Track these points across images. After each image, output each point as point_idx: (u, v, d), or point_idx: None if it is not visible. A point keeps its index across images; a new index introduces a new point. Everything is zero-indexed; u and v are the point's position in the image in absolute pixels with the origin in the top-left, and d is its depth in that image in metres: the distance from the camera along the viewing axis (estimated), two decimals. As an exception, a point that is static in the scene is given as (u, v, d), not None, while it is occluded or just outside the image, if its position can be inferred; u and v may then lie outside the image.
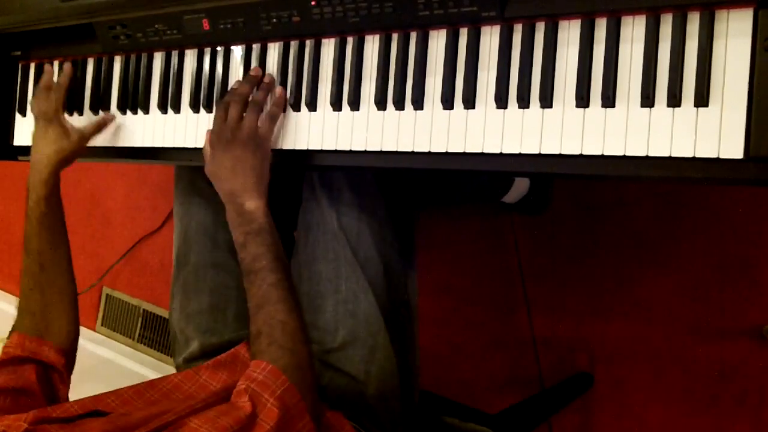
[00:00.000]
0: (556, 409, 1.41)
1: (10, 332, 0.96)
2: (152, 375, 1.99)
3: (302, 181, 1.04)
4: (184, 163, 1.08)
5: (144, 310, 2.16)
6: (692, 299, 1.35)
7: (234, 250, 1.08)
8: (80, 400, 0.84)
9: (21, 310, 0.98)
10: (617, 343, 1.43)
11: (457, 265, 1.63)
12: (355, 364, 0.95)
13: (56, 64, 1.20)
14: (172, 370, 1.08)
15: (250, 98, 0.95)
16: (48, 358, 0.93)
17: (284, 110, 0.96)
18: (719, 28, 0.71)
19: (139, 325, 2.16)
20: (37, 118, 1.09)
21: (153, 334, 2.13)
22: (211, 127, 0.96)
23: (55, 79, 1.13)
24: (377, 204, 1.00)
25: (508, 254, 1.52)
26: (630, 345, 1.42)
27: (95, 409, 0.81)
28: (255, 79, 0.96)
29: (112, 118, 1.11)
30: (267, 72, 0.98)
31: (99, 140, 1.14)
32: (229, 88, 1.00)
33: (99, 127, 1.10)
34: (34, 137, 1.07)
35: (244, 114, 0.93)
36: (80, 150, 1.07)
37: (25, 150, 1.26)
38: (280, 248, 0.88)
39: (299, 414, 0.76)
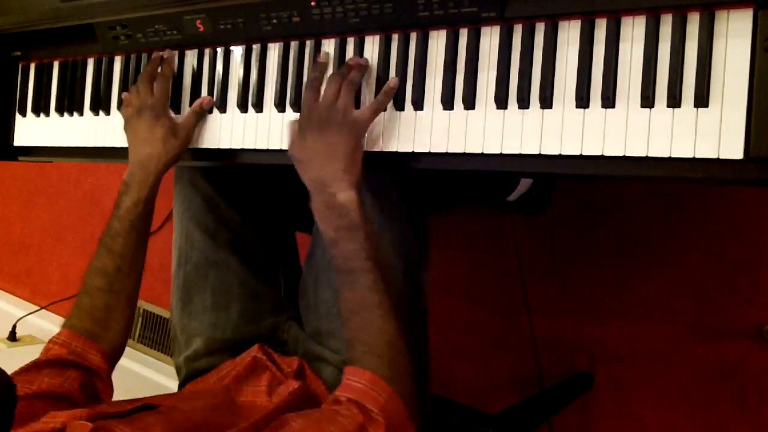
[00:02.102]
0: (556, 409, 1.41)
1: (62, 327, 0.90)
2: (152, 375, 1.99)
3: None
4: (185, 163, 1.08)
5: (144, 310, 2.16)
6: (692, 299, 1.35)
7: (235, 248, 1.09)
8: (123, 400, 0.81)
9: (81, 307, 0.92)
10: (617, 343, 1.43)
11: (457, 265, 1.62)
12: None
13: (56, 64, 1.20)
14: (172, 370, 1.08)
15: (347, 78, 0.87)
16: (93, 363, 0.88)
17: (389, 103, 0.89)
18: (719, 28, 0.71)
19: (138, 325, 2.16)
20: (140, 111, 1.01)
21: (153, 334, 2.13)
22: (207, 128, 0.94)
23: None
24: (399, 209, 0.97)
25: (508, 255, 1.52)
26: (630, 345, 1.42)
27: (144, 403, 0.78)
28: (356, 60, 0.90)
29: (210, 102, 1.03)
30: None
31: (100, 140, 1.15)
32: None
33: (199, 116, 1.03)
34: (138, 132, 1.00)
35: (341, 93, 0.85)
36: (187, 147, 1.01)
37: (26, 150, 1.26)
38: (373, 245, 0.82)
39: (404, 425, 0.74)
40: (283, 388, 0.90)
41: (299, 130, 0.87)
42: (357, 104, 0.89)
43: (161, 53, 1.07)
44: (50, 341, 0.89)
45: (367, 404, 0.71)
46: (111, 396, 0.89)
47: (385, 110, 0.88)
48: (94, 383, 0.88)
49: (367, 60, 0.90)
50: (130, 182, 0.97)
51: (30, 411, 0.74)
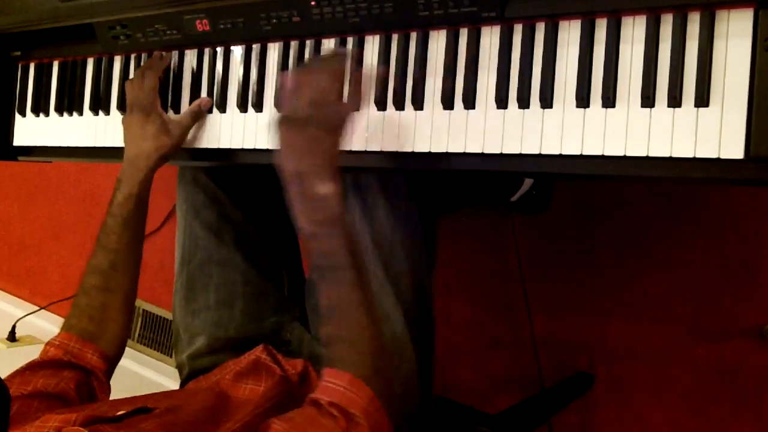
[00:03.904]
0: (556, 410, 1.41)
1: (61, 329, 0.90)
2: (152, 375, 1.99)
3: None
4: (184, 163, 1.08)
5: (144, 310, 2.16)
6: (692, 299, 1.35)
7: (238, 246, 1.08)
8: (118, 400, 0.81)
9: (78, 306, 0.92)
10: (617, 343, 1.43)
11: (457, 265, 1.62)
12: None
13: (56, 64, 1.20)
14: (172, 370, 1.08)
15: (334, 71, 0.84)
16: (90, 363, 0.88)
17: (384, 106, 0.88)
18: (719, 28, 0.71)
19: (138, 325, 2.16)
20: (131, 107, 1.02)
21: (153, 334, 2.13)
22: (207, 128, 0.93)
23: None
24: (411, 211, 0.96)
25: (508, 254, 1.52)
26: (630, 345, 1.42)
27: (142, 405, 0.77)
28: (352, 53, 0.88)
29: (208, 102, 1.02)
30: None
31: (100, 140, 1.14)
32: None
33: (196, 116, 1.02)
34: (130, 128, 1.01)
35: (328, 90, 0.82)
36: (180, 146, 1.01)
37: (25, 150, 1.26)
38: (353, 239, 0.78)
39: (384, 424, 0.72)
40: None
41: (284, 118, 0.82)
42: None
43: (161, 53, 1.07)
44: (47, 343, 0.89)
45: (349, 408, 0.69)
46: (108, 395, 0.89)
47: (364, 107, 0.86)
48: (90, 383, 0.87)
49: (356, 51, 0.88)
50: (122, 178, 0.97)
51: (25, 411, 0.75)
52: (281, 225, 1.16)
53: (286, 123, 0.81)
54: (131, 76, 1.11)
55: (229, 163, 1.03)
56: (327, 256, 0.77)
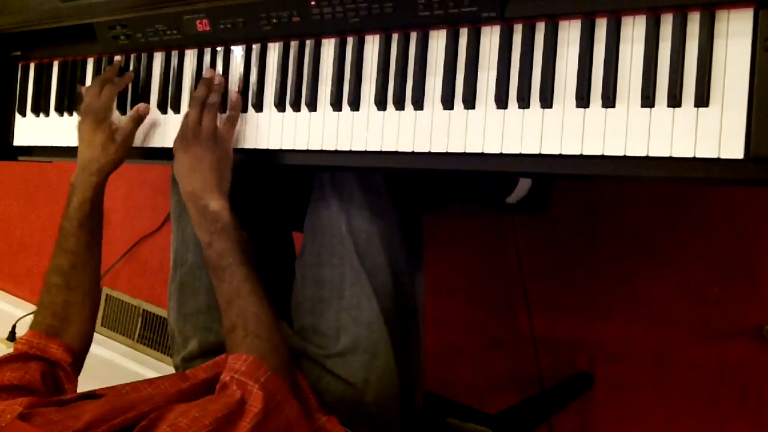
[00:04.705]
0: (556, 410, 1.41)
1: (29, 328, 0.97)
2: (152, 375, 1.99)
3: (310, 181, 1.03)
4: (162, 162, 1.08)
5: (144, 310, 2.16)
6: (692, 299, 1.35)
7: None
8: (75, 391, 0.86)
9: (42, 305, 0.98)
10: (617, 343, 1.43)
11: (457, 265, 1.62)
12: (354, 371, 0.95)
13: (56, 63, 1.20)
14: (171, 370, 1.08)
15: (207, 101, 0.97)
16: (54, 356, 0.93)
17: (242, 111, 0.99)
18: (719, 28, 0.71)
19: (138, 325, 2.16)
20: (85, 113, 1.06)
21: (153, 334, 2.13)
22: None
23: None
24: (388, 207, 0.98)
25: (508, 254, 1.52)
26: (630, 345, 1.42)
27: (88, 392, 0.82)
28: (209, 82, 0.99)
29: (146, 108, 1.08)
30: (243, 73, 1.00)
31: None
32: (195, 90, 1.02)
33: (136, 122, 1.07)
34: (82, 134, 1.06)
35: (203, 117, 0.96)
36: (126, 153, 1.06)
37: (25, 150, 1.26)
38: (244, 245, 0.91)
39: (284, 398, 0.79)
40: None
41: (174, 152, 0.97)
42: (341, 106, 0.91)
43: (120, 62, 1.12)
44: (16, 341, 0.95)
45: (247, 381, 0.78)
46: (75, 386, 0.94)
47: (364, 107, 0.91)
48: (56, 374, 0.93)
49: (221, 78, 1.00)
50: (75, 183, 1.03)
51: None
52: (273, 226, 1.17)
53: (175, 151, 0.97)
54: (131, 75, 1.11)
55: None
56: (221, 257, 0.90)
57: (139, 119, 1.07)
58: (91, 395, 0.81)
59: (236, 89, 1.00)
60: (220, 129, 0.96)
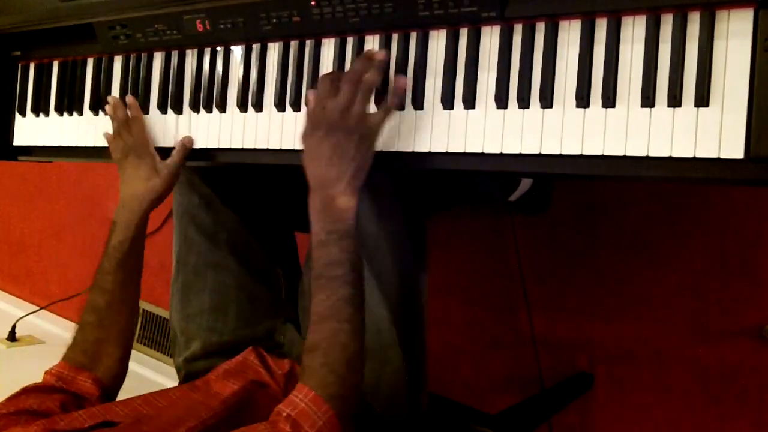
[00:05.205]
0: (556, 409, 1.41)
1: (62, 358, 0.94)
2: (152, 375, 1.99)
3: None
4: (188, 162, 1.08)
5: (144, 310, 2.16)
6: (692, 299, 1.35)
7: (233, 249, 1.08)
8: (89, 409, 0.82)
9: (75, 342, 0.95)
10: (617, 343, 1.43)
11: (457, 265, 1.62)
12: (364, 378, 0.94)
13: (56, 63, 1.20)
14: (171, 371, 1.08)
15: (364, 82, 0.83)
16: (81, 390, 0.90)
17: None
18: (719, 28, 0.71)
19: (138, 325, 2.16)
20: (124, 154, 1.03)
21: (153, 335, 2.13)
22: (207, 128, 0.92)
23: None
24: (394, 209, 0.97)
25: (508, 254, 1.52)
26: (630, 345, 1.42)
27: (104, 419, 0.79)
28: (370, 57, 0.85)
29: (191, 141, 1.03)
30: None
31: (100, 140, 1.14)
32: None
33: (183, 154, 1.03)
34: (126, 174, 1.03)
35: (357, 100, 0.83)
36: (172, 185, 1.03)
37: (25, 150, 1.26)
38: (359, 258, 0.82)
39: None
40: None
41: (311, 123, 0.85)
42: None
43: (120, 100, 1.08)
44: (46, 372, 0.91)
45: (304, 425, 0.71)
46: None
47: (402, 109, 0.87)
48: (81, 405, 0.88)
49: (384, 54, 0.86)
50: (117, 221, 1.00)
51: (12, 425, 0.76)
52: (276, 226, 1.17)
53: (312, 128, 0.83)
54: (131, 75, 1.11)
55: (230, 163, 1.03)
56: (330, 266, 0.80)
57: (184, 150, 1.03)
58: (107, 423, 0.78)
59: (404, 75, 0.86)
60: (372, 117, 0.84)
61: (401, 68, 0.88)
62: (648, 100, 0.73)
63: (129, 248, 0.98)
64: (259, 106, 0.99)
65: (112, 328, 0.96)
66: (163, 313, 2.11)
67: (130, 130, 1.05)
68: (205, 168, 1.09)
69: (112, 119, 1.07)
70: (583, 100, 0.77)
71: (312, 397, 0.73)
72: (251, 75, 1.00)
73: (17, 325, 2.15)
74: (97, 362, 0.93)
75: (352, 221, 0.81)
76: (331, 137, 0.82)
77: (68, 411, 0.85)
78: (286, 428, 0.70)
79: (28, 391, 0.86)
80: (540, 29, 0.80)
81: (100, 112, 1.15)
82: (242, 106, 1.00)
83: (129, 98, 1.08)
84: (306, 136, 0.85)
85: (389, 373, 0.94)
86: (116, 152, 1.06)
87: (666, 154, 0.72)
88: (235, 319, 1.07)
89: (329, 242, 0.80)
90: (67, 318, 2.30)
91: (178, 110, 1.07)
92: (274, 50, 0.99)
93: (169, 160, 1.02)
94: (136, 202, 1.00)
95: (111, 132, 1.08)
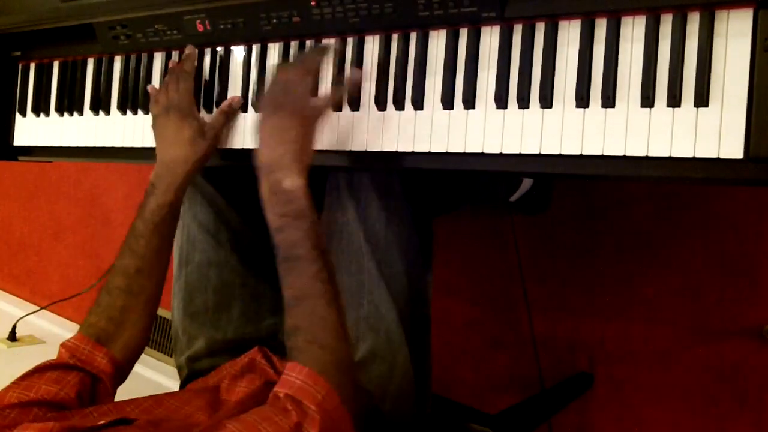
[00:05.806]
0: (556, 409, 1.41)
1: (79, 329, 0.90)
2: (152, 375, 1.99)
3: (323, 182, 1.00)
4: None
5: (144, 310, 2.16)
6: (692, 299, 1.35)
7: (236, 247, 1.08)
8: (99, 407, 0.81)
9: (99, 305, 0.91)
10: (617, 343, 1.43)
11: (457, 265, 1.62)
12: (373, 380, 0.92)
13: (56, 64, 1.20)
14: (172, 370, 1.08)
15: (308, 62, 0.87)
16: (97, 368, 0.86)
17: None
18: (719, 28, 0.71)
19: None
20: (166, 110, 0.98)
21: (153, 335, 2.13)
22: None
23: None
24: (404, 211, 0.96)
25: (508, 254, 1.52)
26: (630, 345, 1.42)
27: (119, 417, 0.77)
28: (325, 51, 0.90)
29: (239, 101, 1.00)
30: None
31: (100, 140, 1.14)
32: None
33: (228, 116, 0.99)
34: (165, 132, 0.98)
35: (303, 75, 0.85)
36: (214, 150, 0.99)
37: (25, 150, 1.26)
38: (319, 233, 0.80)
39: (341, 418, 0.72)
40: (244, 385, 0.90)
41: (261, 107, 0.86)
42: (340, 106, 0.90)
43: (190, 52, 1.04)
44: (61, 344, 0.88)
45: (304, 400, 0.70)
46: (112, 400, 0.88)
47: (364, 107, 0.88)
48: (95, 389, 0.86)
49: (337, 45, 0.91)
50: (156, 183, 0.95)
51: (23, 418, 0.74)
52: None
53: (261, 110, 0.85)
54: (131, 75, 1.11)
55: (232, 163, 1.03)
56: (291, 247, 0.79)
57: (230, 112, 1.00)
58: (124, 421, 0.76)
59: (359, 69, 0.90)
60: (315, 99, 0.85)
61: (401, 68, 0.88)
62: (648, 100, 0.73)
63: (167, 213, 0.94)
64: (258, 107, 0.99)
65: (140, 296, 0.92)
66: (163, 312, 2.11)
67: (177, 86, 1.00)
68: (209, 167, 1.09)
69: (171, 70, 1.03)
70: (582, 100, 0.77)
71: (306, 372, 0.72)
72: (251, 75, 1.00)
73: (17, 325, 2.15)
74: (120, 332, 0.90)
75: (303, 200, 0.80)
76: (277, 114, 0.83)
77: (83, 398, 0.83)
78: (287, 406, 0.69)
79: (42, 369, 0.83)
80: (540, 29, 0.80)
81: (101, 111, 1.15)
82: (243, 107, 1.00)
83: (189, 48, 1.03)
84: (261, 117, 0.86)
85: (398, 375, 0.94)
86: (156, 106, 1.01)
87: (665, 154, 0.72)
88: (239, 317, 1.07)
89: (285, 225, 0.80)
90: (67, 318, 2.30)
91: (178, 110, 1.06)
92: (274, 50, 0.99)
93: (213, 122, 0.99)
94: (180, 166, 0.95)
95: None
